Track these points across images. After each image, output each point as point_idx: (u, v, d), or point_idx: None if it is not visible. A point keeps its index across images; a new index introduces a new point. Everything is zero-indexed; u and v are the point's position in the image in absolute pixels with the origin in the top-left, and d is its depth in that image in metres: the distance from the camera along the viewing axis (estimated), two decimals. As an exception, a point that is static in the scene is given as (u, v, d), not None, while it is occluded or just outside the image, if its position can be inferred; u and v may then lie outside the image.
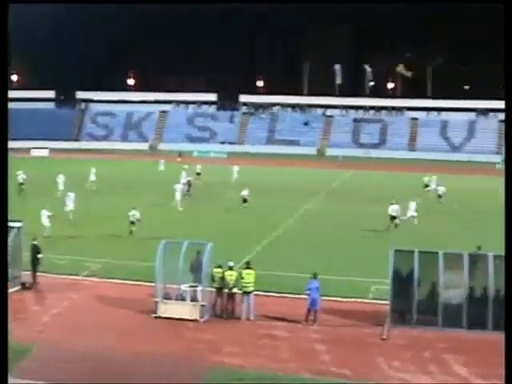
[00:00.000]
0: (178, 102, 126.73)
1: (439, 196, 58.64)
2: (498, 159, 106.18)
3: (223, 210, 52.05)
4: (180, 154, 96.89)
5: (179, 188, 53.32)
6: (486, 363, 22.58)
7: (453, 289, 25.75)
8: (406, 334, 25.08)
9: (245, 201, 53.17)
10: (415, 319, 25.79)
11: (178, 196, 52.28)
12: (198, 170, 69.70)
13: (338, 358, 22.80)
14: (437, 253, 26.33)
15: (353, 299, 29.08)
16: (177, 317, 25.83)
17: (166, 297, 26.29)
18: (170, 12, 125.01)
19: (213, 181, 68.52)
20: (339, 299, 28.86)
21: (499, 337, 24.57)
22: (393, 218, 44.07)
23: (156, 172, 79.26)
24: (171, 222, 45.75)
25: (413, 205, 46.96)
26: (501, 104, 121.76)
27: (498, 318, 25.04)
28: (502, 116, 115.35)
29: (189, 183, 60.12)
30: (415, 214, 46.59)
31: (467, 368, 22.14)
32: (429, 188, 64.60)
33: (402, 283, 25.97)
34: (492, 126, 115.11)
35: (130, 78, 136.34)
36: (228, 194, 59.77)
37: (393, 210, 44.30)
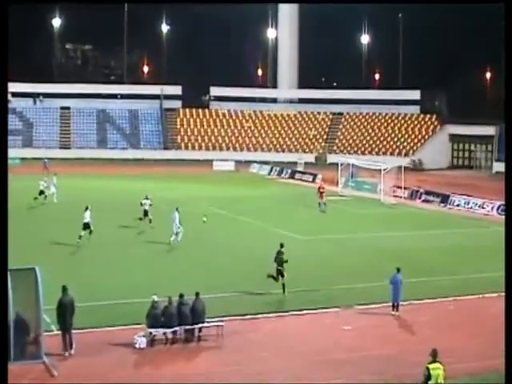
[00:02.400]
0: None
1: (147, 210, 43.61)
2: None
3: None
4: None
5: None
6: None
7: None
8: None
9: None
10: None
11: None
12: None
13: None
14: None
15: None
16: None
17: None
18: None
19: None
20: None
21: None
22: (86, 225, 38.12)
23: None
24: None
25: (177, 216, 37.68)
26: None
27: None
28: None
29: None
30: (180, 227, 37.65)
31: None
32: (47, 193, 53.43)
33: None
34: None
35: None
36: None
37: (86, 216, 38.11)
